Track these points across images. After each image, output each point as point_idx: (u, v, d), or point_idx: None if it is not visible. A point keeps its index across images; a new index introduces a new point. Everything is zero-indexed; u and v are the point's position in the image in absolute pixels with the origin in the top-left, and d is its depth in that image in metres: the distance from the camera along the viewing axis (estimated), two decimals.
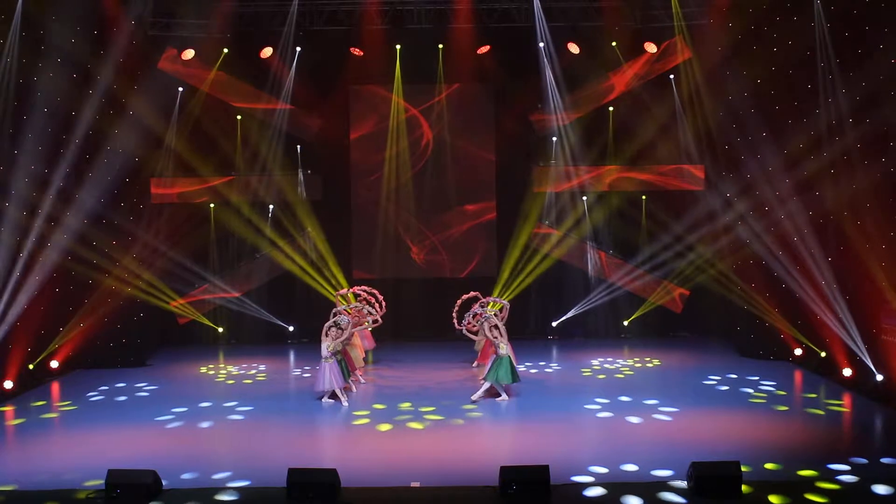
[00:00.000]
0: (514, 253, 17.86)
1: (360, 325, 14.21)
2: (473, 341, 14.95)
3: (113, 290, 15.66)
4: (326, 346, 12.46)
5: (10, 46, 13.73)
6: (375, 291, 15.14)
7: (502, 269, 17.82)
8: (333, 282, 17.50)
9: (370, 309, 14.57)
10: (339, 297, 14.84)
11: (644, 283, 18.08)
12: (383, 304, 15.03)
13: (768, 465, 9.32)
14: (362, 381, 14.17)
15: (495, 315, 13.44)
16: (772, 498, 8.35)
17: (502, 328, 12.80)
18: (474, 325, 14.24)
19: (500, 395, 12.72)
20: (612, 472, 9.21)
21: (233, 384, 14.41)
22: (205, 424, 11.65)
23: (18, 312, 13.84)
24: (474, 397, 12.61)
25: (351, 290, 15.08)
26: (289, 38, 16.94)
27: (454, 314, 14.45)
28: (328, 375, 12.40)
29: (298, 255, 17.97)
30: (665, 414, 11.79)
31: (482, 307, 14.28)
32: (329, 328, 12.60)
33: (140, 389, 13.89)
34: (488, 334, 12.84)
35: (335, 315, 12.95)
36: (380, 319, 14.77)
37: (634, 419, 11.57)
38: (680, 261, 17.75)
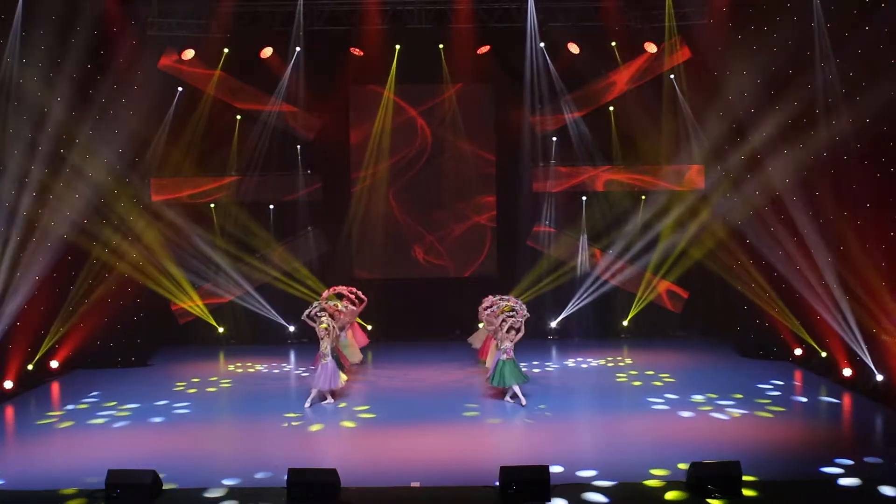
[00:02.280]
0: (543, 261, 17.96)
1: (337, 318, 13.74)
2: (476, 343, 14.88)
3: (113, 290, 15.64)
4: (323, 346, 12.46)
5: (11, 47, 13.73)
6: (349, 289, 14.93)
7: (526, 274, 17.83)
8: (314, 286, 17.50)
9: (345, 304, 14.37)
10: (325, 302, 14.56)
11: (641, 281, 18.06)
12: (362, 296, 14.79)
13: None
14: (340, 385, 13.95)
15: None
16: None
17: (522, 328, 12.47)
18: (491, 321, 13.56)
19: (505, 396, 12.66)
20: (611, 472, 9.22)
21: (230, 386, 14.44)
22: (206, 424, 11.67)
23: (18, 312, 13.88)
24: (522, 402, 12.34)
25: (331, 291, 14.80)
26: (298, 39, 16.94)
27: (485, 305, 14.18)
28: (325, 374, 12.40)
29: (298, 256, 17.97)
30: (667, 413, 11.81)
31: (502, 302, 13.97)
32: (317, 320, 12.62)
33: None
34: (501, 334, 12.42)
35: (313, 314, 12.90)
36: (356, 310, 14.53)
37: (636, 418, 11.60)
38: (678, 259, 17.80)
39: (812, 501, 8.47)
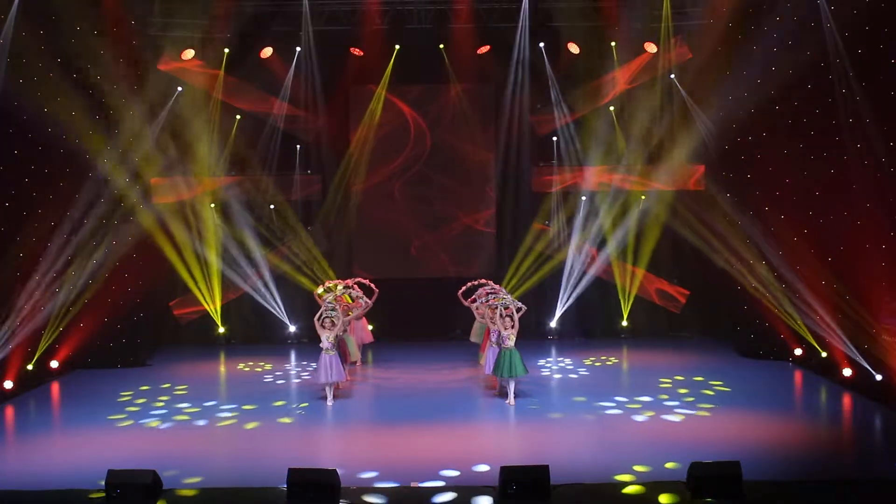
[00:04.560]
0: (520, 254, 17.94)
1: (349, 312, 13.94)
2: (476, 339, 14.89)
3: (113, 290, 15.63)
4: (326, 337, 12.43)
5: (3, 46, 13.72)
6: (365, 281, 15.03)
7: (508, 270, 17.85)
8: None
9: (358, 293, 14.39)
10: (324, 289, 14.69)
11: (638, 279, 18.11)
12: (374, 288, 14.84)
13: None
14: (346, 378, 14.00)
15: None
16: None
17: (516, 320, 12.45)
18: (482, 309, 13.71)
19: (507, 398, 12.62)
20: (610, 472, 9.23)
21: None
22: (204, 424, 11.67)
23: (20, 313, 13.91)
24: (511, 402, 12.33)
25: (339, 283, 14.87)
26: (303, 38, 16.95)
27: (462, 290, 14.38)
28: (328, 368, 12.37)
29: (297, 255, 17.98)
30: (666, 414, 11.81)
31: (492, 295, 14.00)
32: (323, 319, 12.54)
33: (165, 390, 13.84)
34: (498, 322, 12.42)
35: (324, 309, 12.80)
36: (370, 303, 14.52)
37: (638, 418, 11.61)
38: (677, 259, 17.83)
39: (814, 501, 8.48)
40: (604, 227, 18.03)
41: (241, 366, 15.89)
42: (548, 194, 18.23)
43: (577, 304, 18.09)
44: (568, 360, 15.95)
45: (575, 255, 17.98)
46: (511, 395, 12.41)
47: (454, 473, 9.25)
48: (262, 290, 17.82)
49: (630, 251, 18.00)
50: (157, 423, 11.69)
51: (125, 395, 13.35)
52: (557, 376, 14.65)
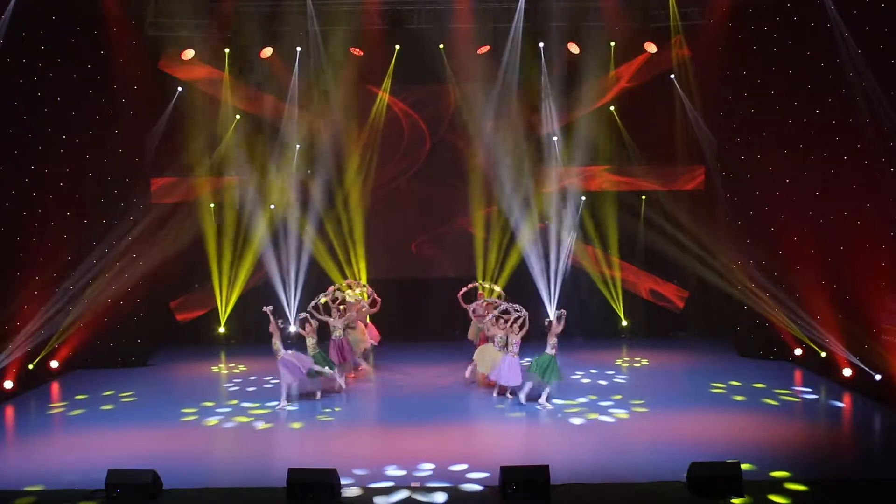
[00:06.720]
0: (513, 254, 17.99)
1: (345, 315, 14.10)
2: (473, 339, 14.94)
3: (113, 290, 15.63)
4: (276, 342, 12.52)
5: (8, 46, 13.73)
6: (374, 294, 15.21)
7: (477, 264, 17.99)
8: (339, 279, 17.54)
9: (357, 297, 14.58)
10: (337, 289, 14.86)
11: (637, 279, 18.12)
12: (377, 300, 15.04)
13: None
14: (361, 364, 14.03)
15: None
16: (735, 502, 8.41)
17: (513, 325, 12.50)
18: (480, 311, 13.79)
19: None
20: (609, 472, 9.23)
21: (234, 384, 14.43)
22: (206, 424, 11.68)
23: (19, 313, 13.92)
24: (543, 399, 12.38)
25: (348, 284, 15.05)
26: (307, 37, 16.97)
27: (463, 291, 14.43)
28: (286, 369, 12.47)
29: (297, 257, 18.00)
30: (664, 413, 11.81)
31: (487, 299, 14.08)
32: (304, 322, 12.77)
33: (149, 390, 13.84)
34: (493, 329, 12.57)
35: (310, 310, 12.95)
36: (366, 306, 14.73)
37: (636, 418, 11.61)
38: (677, 260, 17.86)
39: (813, 501, 8.48)
40: (600, 227, 18.06)
41: (213, 369, 15.83)
42: (547, 194, 18.22)
43: (575, 304, 18.06)
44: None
45: (567, 251, 18.00)
46: (543, 396, 12.45)
47: (454, 473, 9.26)
48: (287, 276, 17.79)
49: (633, 252, 18.07)
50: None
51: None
52: (586, 381, 14.34)
